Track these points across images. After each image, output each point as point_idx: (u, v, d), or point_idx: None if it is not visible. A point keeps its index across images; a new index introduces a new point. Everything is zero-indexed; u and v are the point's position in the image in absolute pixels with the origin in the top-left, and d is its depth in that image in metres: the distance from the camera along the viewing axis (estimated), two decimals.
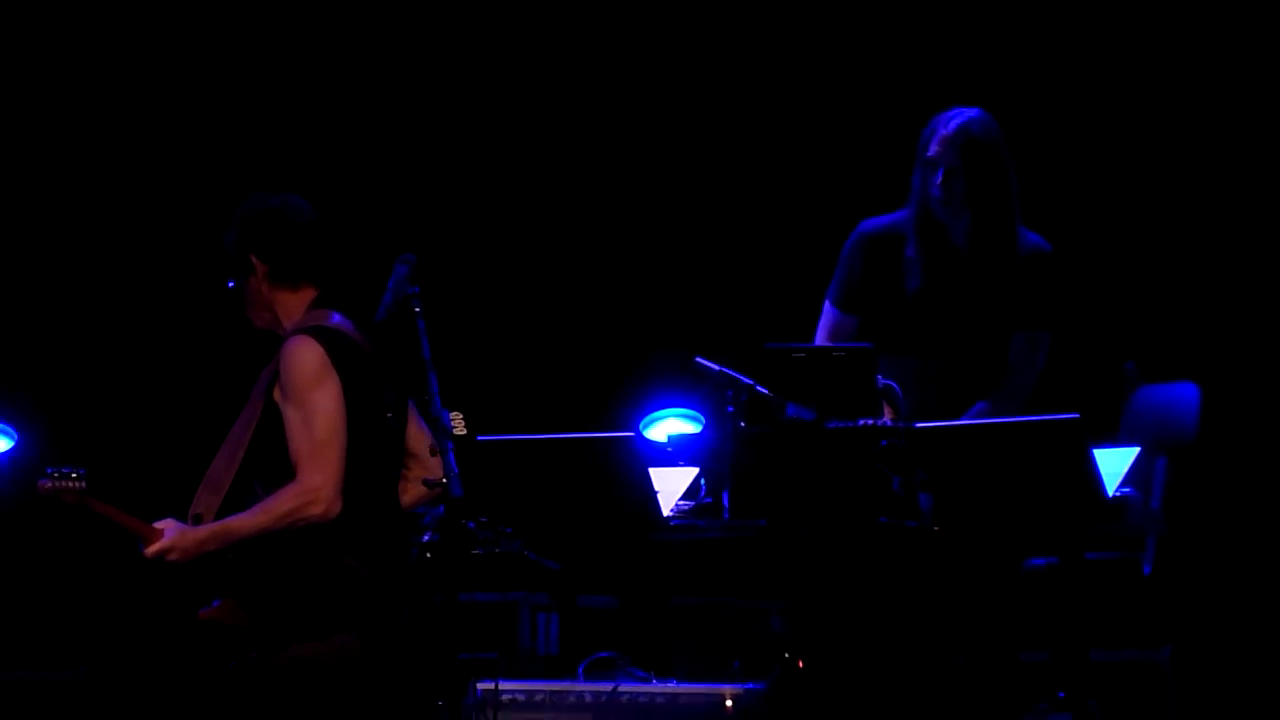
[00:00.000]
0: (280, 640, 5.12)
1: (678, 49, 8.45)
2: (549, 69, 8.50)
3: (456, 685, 5.16)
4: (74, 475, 5.17)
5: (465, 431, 5.07)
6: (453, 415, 4.99)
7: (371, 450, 5.20)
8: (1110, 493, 5.42)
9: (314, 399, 5.09)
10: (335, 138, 8.47)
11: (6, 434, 6.82)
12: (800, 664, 5.54)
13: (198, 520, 5.19)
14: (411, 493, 5.35)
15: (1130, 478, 5.57)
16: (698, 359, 5.56)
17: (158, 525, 5.17)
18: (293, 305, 5.27)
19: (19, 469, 7.17)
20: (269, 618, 5.14)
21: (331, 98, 8.52)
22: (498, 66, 8.53)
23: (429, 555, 5.14)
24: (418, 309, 5.06)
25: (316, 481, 5.06)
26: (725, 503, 5.53)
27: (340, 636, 5.12)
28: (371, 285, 5.13)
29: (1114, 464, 5.52)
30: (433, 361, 5.02)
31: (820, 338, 6.12)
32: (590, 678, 5.82)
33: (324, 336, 5.17)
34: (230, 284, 5.31)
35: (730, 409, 5.44)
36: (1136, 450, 5.63)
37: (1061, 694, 5.79)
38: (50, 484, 5.16)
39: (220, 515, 5.19)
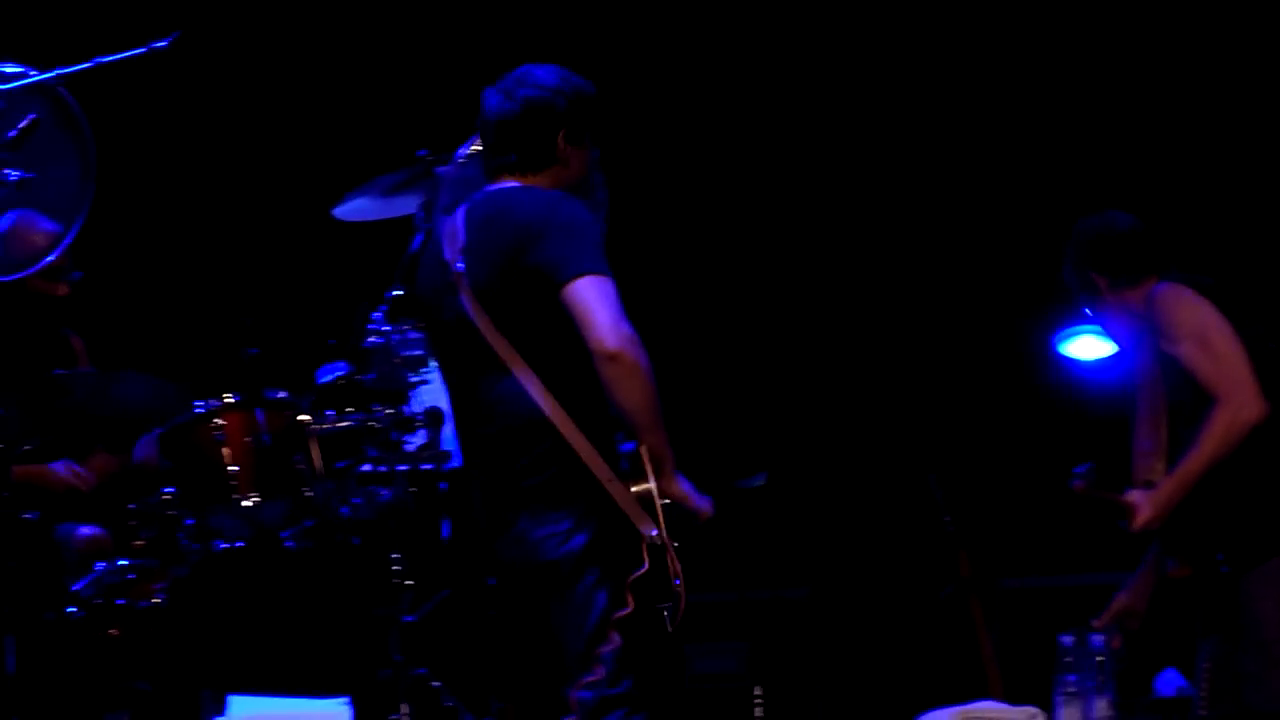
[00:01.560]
0: (1253, 554, 5.53)
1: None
2: None
3: None
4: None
5: None
6: None
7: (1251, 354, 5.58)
8: None
9: (1198, 324, 5.55)
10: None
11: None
12: None
13: (1150, 485, 5.62)
14: None
15: None
16: None
17: (1129, 499, 5.62)
18: (1139, 298, 5.75)
19: None
20: (1235, 538, 5.54)
21: None
22: None
23: None
24: None
25: (1236, 392, 5.47)
26: None
27: None
28: None
29: None
30: None
31: None
32: None
33: (1175, 278, 5.69)
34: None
35: None
36: None
37: None
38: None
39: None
